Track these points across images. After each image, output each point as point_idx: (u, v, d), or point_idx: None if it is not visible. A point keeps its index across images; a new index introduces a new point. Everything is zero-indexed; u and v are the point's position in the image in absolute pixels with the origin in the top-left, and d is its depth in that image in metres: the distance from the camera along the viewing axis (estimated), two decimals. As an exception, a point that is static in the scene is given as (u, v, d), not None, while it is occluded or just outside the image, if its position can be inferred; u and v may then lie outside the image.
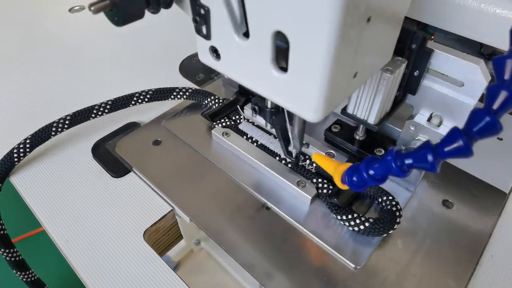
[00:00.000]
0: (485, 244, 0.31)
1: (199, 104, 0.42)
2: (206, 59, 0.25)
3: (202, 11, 0.22)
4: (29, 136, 0.37)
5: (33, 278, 0.42)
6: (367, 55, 0.22)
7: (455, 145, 0.19)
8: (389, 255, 0.30)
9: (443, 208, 0.33)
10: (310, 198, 0.32)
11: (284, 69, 0.21)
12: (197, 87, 0.47)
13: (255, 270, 0.29)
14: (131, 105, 0.41)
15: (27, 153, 0.37)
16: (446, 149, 0.19)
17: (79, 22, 0.62)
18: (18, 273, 0.41)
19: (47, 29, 0.60)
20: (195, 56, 0.52)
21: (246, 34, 0.21)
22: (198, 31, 0.24)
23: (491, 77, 0.28)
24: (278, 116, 0.31)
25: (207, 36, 0.24)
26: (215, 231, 0.31)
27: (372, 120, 0.30)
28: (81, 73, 0.50)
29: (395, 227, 0.30)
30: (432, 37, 0.40)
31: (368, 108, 0.30)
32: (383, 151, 0.34)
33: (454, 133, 0.19)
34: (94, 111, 0.39)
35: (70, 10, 0.65)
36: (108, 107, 0.39)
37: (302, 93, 0.21)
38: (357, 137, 0.35)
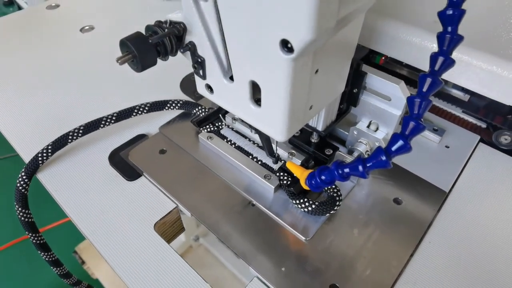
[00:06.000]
0: (424, 232, 0.39)
1: (189, 113, 0.51)
2: (203, 92, 0.33)
3: (199, 60, 0.30)
4: (50, 143, 0.45)
5: (53, 258, 0.50)
6: (319, 93, 0.30)
7: (378, 159, 0.27)
8: (340, 234, 0.38)
9: (394, 204, 0.41)
10: (274, 187, 0.41)
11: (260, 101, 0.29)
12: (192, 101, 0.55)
13: (242, 252, 0.37)
14: (133, 116, 0.49)
15: (49, 156, 0.45)
16: (372, 162, 0.27)
17: (89, 41, 0.70)
18: (42, 253, 0.49)
19: (60, 48, 0.67)
20: (193, 75, 0.59)
21: (232, 78, 0.29)
22: (197, 73, 0.32)
23: (409, 93, 0.36)
24: None
25: (203, 77, 0.32)
26: (211, 223, 0.39)
27: (320, 127, 0.40)
28: (91, 89, 0.58)
29: (335, 209, 0.38)
30: (383, 58, 0.48)
31: (315, 118, 0.39)
32: (331, 151, 0.43)
33: (378, 151, 0.27)
34: (103, 122, 0.47)
35: (81, 30, 0.73)
36: (114, 118, 0.48)
37: (272, 122, 0.29)
38: (312, 140, 0.44)
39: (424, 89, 0.27)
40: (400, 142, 0.27)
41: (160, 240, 0.39)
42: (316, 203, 0.38)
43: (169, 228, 0.42)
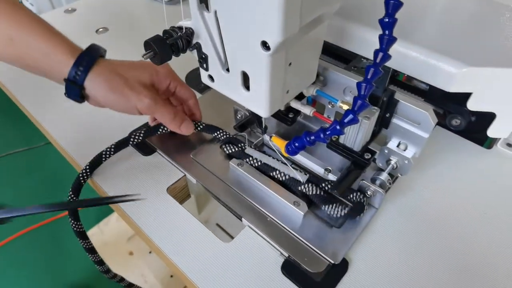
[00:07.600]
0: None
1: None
2: (206, 81, 0.43)
3: (203, 56, 0.40)
4: (88, 163, 0.51)
5: (89, 246, 0.54)
6: (294, 80, 0.40)
7: (334, 128, 0.37)
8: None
9: (360, 172, 0.51)
10: (303, 214, 0.45)
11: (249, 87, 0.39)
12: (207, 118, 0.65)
13: (236, 209, 0.47)
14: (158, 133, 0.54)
15: (89, 176, 0.51)
16: (330, 130, 0.37)
17: (104, 41, 0.79)
18: (72, 222, 0.53)
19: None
20: (197, 69, 0.69)
21: (228, 69, 0.39)
22: (201, 66, 0.41)
23: (437, 119, 0.42)
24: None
25: (206, 69, 0.41)
26: (212, 188, 0.49)
27: (356, 148, 0.45)
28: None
29: (363, 212, 0.44)
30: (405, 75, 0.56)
31: (353, 140, 0.45)
32: (370, 155, 0.46)
33: (334, 123, 0.37)
34: (131, 139, 0.53)
35: (97, 31, 0.83)
36: (142, 135, 0.53)
37: (258, 102, 0.38)
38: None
39: (369, 77, 0.37)
40: (350, 116, 0.37)
41: (173, 201, 0.49)
42: (347, 208, 0.44)
43: (179, 193, 0.52)
